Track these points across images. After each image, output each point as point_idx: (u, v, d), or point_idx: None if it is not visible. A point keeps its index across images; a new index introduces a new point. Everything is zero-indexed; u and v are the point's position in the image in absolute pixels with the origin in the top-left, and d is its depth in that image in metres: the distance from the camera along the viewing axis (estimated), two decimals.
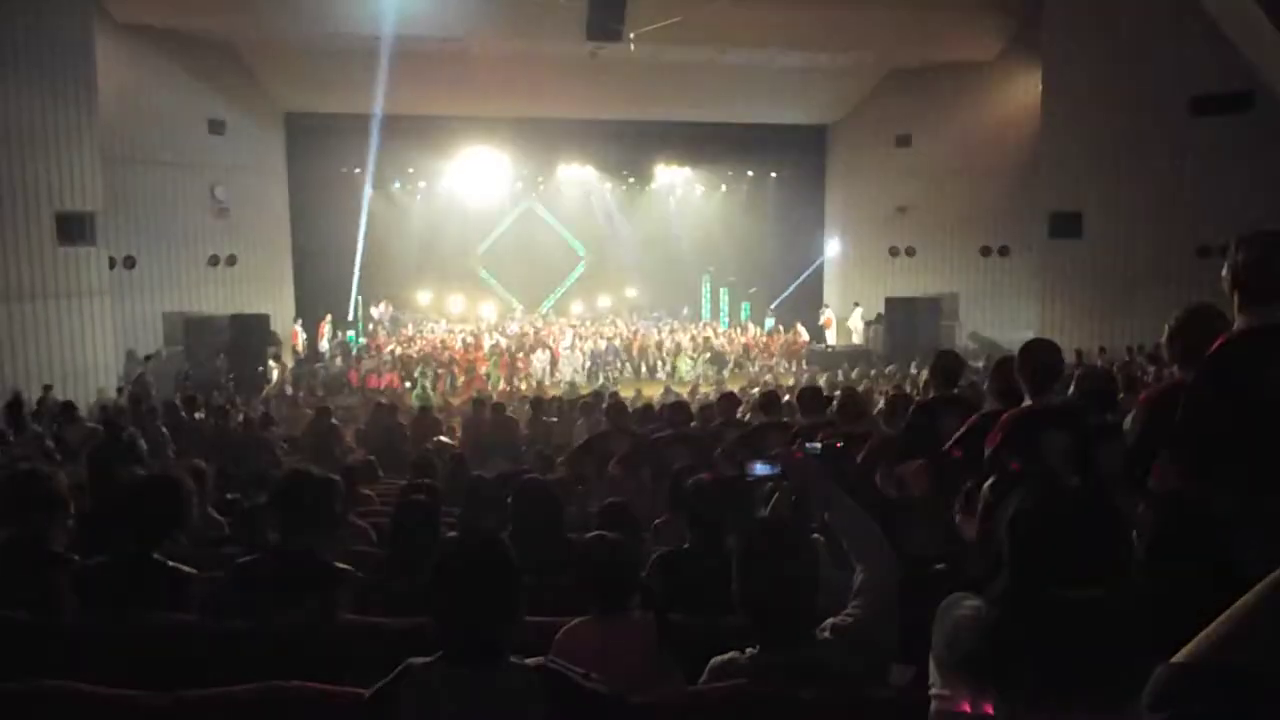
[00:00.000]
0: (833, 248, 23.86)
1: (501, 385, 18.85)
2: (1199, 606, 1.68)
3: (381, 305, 24.00)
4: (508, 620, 2.10)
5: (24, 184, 14.04)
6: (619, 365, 20.80)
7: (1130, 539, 2.03)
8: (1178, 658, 1.18)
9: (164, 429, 9.09)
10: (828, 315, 22.83)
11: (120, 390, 14.83)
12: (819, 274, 24.37)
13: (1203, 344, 3.07)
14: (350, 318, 22.57)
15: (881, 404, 8.04)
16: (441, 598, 2.10)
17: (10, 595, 3.06)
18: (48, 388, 13.18)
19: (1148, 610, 1.77)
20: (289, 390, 17.63)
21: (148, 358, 17.49)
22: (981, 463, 3.68)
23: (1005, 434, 3.69)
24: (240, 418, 11.13)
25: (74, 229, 14.82)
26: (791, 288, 24.50)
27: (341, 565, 3.32)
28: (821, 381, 15.99)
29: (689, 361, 20.86)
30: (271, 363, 18.68)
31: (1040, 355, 3.86)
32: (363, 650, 2.85)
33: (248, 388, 17.00)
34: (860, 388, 14.48)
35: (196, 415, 10.90)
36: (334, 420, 10.70)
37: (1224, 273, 2.69)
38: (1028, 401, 3.81)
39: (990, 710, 1.75)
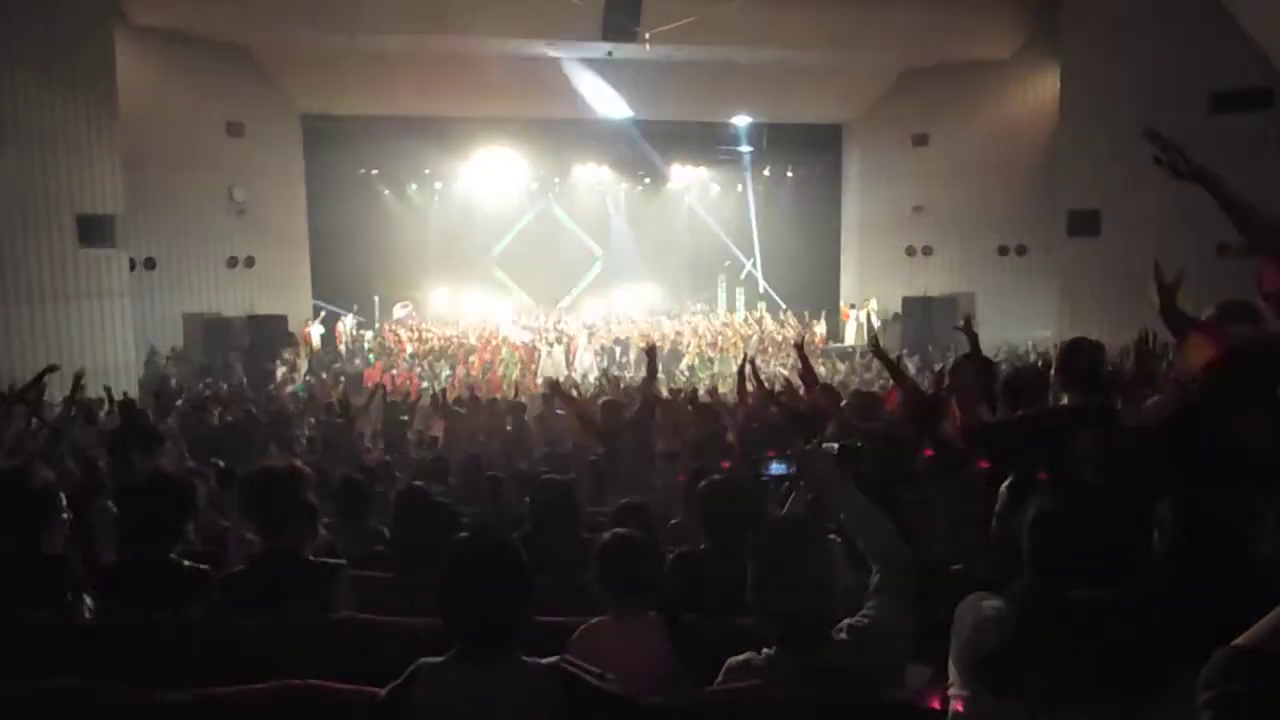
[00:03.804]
0: (849, 245, 23.82)
1: (518, 376, 18.86)
2: (1218, 606, 1.67)
3: (405, 305, 24.05)
4: (517, 619, 2.10)
5: (45, 187, 14.17)
6: (634, 365, 20.78)
7: (1150, 539, 2.02)
8: (1237, 641, 1.19)
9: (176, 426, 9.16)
10: (845, 310, 22.76)
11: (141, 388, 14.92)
12: (835, 273, 24.29)
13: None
14: (365, 318, 22.61)
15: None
16: (451, 596, 2.11)
17: (7, 601, 2.96)
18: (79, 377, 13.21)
19: (1167, 610, 1.75)
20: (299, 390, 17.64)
21: (168, 358, 17.60)
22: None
23: (1033, 433, 3.65)
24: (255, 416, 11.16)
25: (95, 231, 14.95)
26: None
27: (329, 560, 3.29)
28: (836, 380, 15.91)
29: (705, 360, 20.83)
30: (279, 363, 18.69)
31: (1077, 354, 3.83)
32: (377, 649, 2.86)
33: (257, 388, 17.05)
34: (875, 386, 14.44)
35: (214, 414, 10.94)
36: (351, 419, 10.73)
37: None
38: (1063, 401, 3.78)
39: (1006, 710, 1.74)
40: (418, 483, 4.94)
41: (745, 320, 24.22)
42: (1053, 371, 3.90)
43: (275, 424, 10.64)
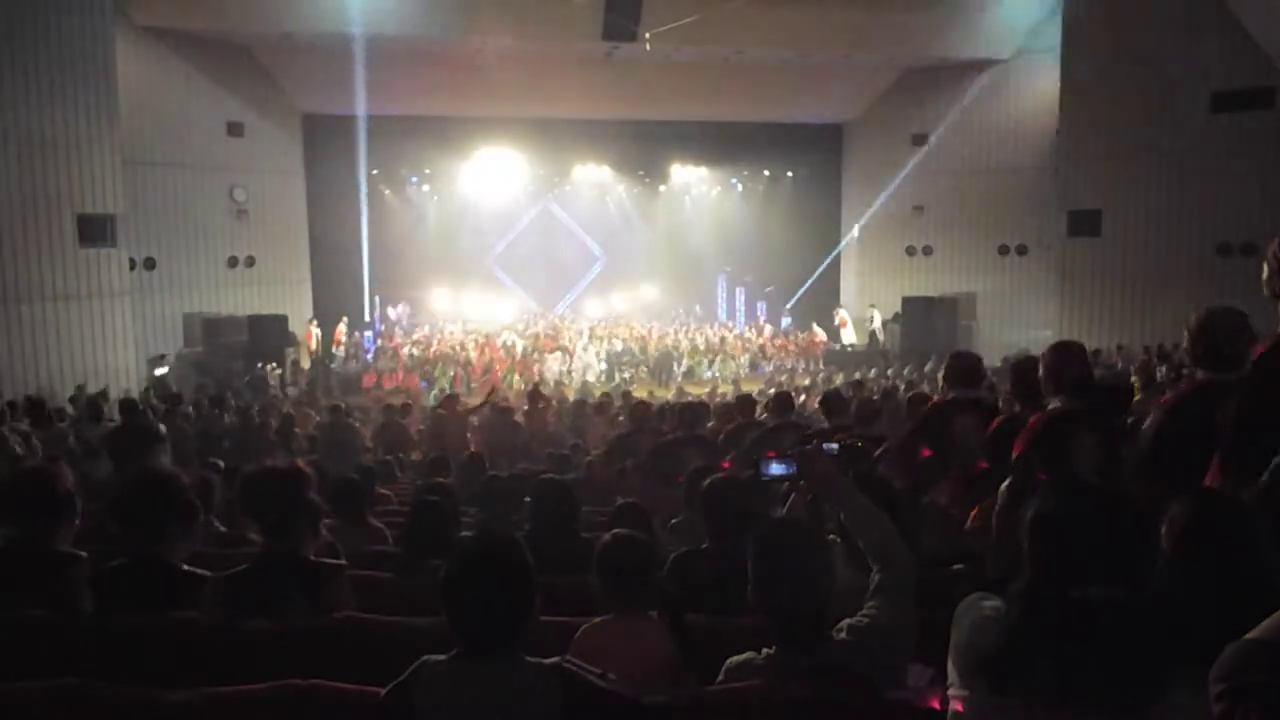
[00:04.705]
0: (849, 247, 23.79)
1: (518, 384, 18.85)
2: (1223, 606, 1.67)
3: (400, 306, 24.05)
4: (521, 618, 2.10)
5: (45, 186, 14.19)
6: (635, 366, 20.77)
7: (1153, 539, 2.01)
8: (1251, 634, 1.20)
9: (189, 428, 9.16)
10: (843, 315, 22.75)
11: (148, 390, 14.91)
12: (835, 273, 24.28)
13: (1223, 346, 3.03)
14: (367, 318, 22.59)
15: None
16: (455, 596, 2.11)
17: (17, 596, 3.01)
18: (80, 387, 13.27)
19: (1171, 610, 1.75)
20: (295, 390, 17.62)
21: (161, 356, 17.58)
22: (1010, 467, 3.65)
23: (1033, 437, 3.65)
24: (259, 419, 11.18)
25: (95, 231, 14.96)
26: (807, 283, 24.43)
27: (329, 560, 3.30)
28: (839, 382, 15.92)
29: (704, 362, 20.82)
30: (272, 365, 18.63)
31: (1070, 359, 3.82)
32: (379, 648, 2.86)
33: (257, 389, 17.04)
34: (877, 388, 14.44)
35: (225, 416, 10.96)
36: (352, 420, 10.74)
37: (1265, 273, 2.63)
38: (1054, 404, 3.76)
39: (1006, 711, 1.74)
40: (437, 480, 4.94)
41: (749, 328, 24.23)
42: (1040, 375, 3.89)
43: (280, 425, 10.65)
